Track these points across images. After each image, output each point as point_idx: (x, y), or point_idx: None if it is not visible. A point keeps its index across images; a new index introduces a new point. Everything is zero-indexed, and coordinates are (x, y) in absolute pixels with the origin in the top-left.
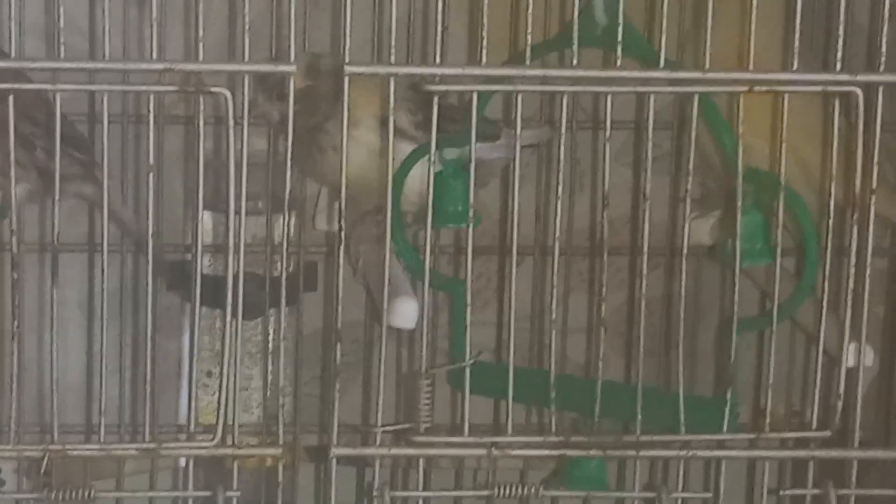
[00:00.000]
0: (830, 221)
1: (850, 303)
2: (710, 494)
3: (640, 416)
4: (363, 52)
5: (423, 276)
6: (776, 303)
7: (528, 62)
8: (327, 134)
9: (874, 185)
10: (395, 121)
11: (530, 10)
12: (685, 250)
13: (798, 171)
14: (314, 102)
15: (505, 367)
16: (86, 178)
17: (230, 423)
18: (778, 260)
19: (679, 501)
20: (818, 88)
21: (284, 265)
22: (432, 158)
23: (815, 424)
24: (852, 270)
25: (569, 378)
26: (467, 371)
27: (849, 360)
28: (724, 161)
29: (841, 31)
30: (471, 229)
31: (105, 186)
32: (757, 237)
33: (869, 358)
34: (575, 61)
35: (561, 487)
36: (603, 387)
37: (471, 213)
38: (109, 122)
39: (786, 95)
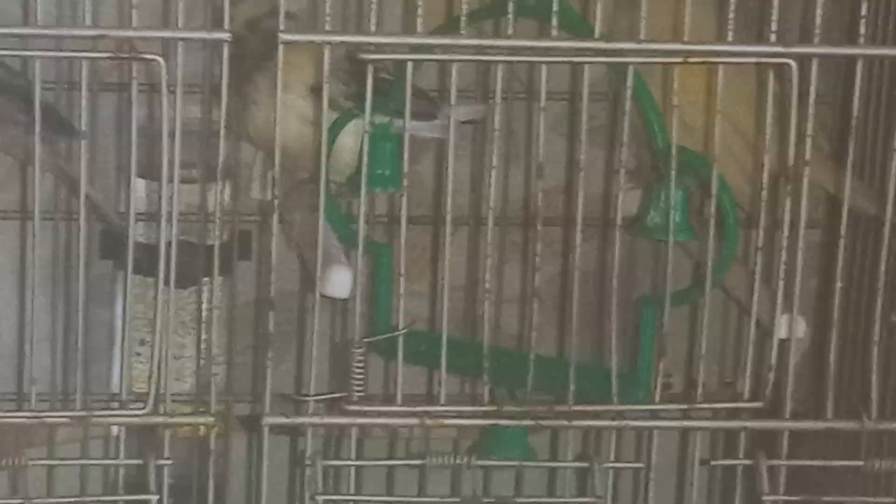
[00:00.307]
0: (764, 192)
1: (782, 274)
2: (642, 465)
3: (572, 387)
4: (298, 20)
5: (355, 245)
6: (709, 277)
7: (462, 30)
8: (253, 86)
9: (807, 156)
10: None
11: None
12: (619, 222)
13: (736, 138)
14: (248, 53)
15: (438, 335)
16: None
17: (162, 391)
18: (711, 231)
19: (611, 471)
20: (752, 60)
21: (218, 234)
22: (366, 127)
23: (747, 395)
24: (785, 242)
25: (502, 350)
26: (400, 340)
27: (781, 331)
28: (649, 136)
29: (775, 3)
30: (405, 197)
31: (37, 153)
32: (677, 212)
33: (801, 329)
34: (510, 31)
35: (486, 457)
36: (536, 359)
37: (405, 182)
38: (43, 89)
39: (720, 67)
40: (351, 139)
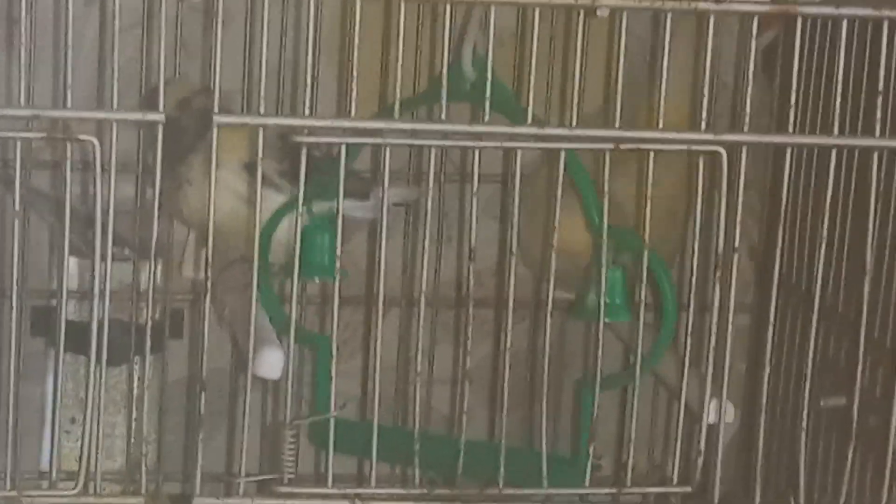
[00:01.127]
0: (693, 279)
1: (711, 359)
2: None
3: (502, 470)
4: (233, 101)
5: (287, 329)
6: (639, 358)
7: (396, 116)
8: (188, 167)
9: (737, 243)
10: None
11: (399, 64)
12: (550, 305)
13: (668, 222)
14: (181, 133)
15: (368, 425)
16: None
17: (93, 470)
18: (642, 315)
19: None
20: (683, 147)
21: (150, 312)
22: (299, 211)
23: (676, 479)
24: (714, 327)
25: (432, 436)
26: (332, 422)
27: (710, 416)
28: (587, 218)
29: (706, 91)
30: (337, 282)
31: None
32: (616, 293)
33: (730, 414)
34: (443, 115)
35: None
36: (466, 444)
37: (337, 266)
38: None
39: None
40: (289, 221)
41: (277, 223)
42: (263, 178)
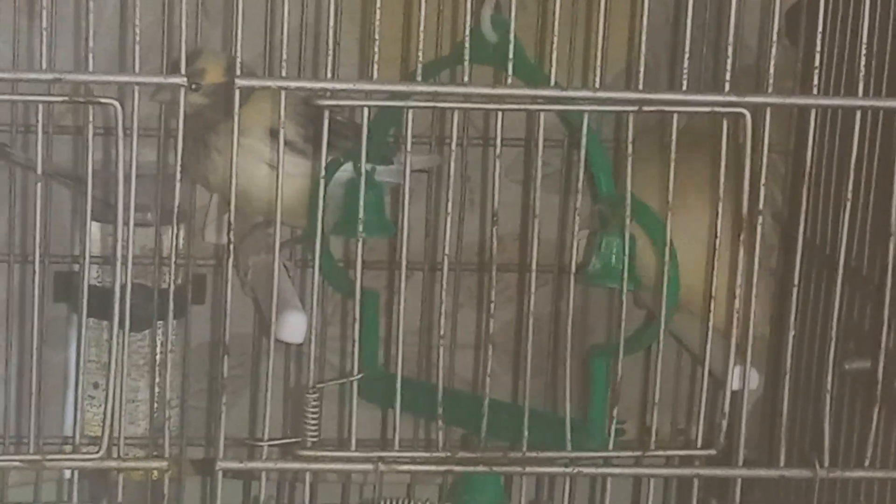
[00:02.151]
0: (718, 242)
1: (736, 325)
2: None
3: (526, 433)
4: (255, 65)
5: (346, 291)
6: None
7: (418, 78)
8: (217, 135)
9: (761, 205)
10: (284, 133)
11: (422, 28)
12: (573, 268)
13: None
14: (224, 100)
15: (394, 376)
16: None
17: (116, 435)
18: (665, 281)
19: None
20: (707, 109)
21: (173, 277)
22: (322, 173)
23: (699, 443)
24: (739, 292)
25: (457, 393)
26: (354, 385)
27: (734, 383)
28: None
29: (730, 53)
30: (360, 243)
31: None
32: (622, 260)
33: (754, 382)
34: (466, 78)
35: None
36: (490, 404)
37: (360, 229)
38: None
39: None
40: (334, 187)
41: (329, 183)
42: (289, 144)
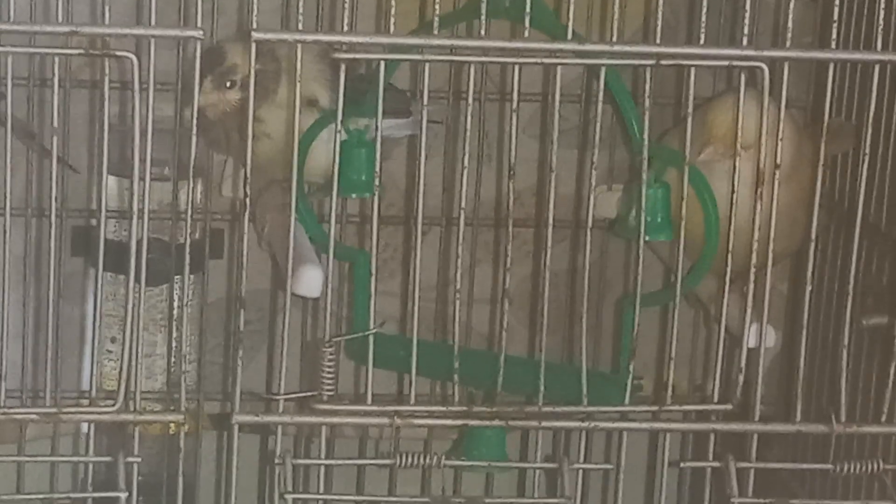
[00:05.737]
0: (735, 196)
1: (752, 282)
2: (611, 466)
3: (542, 388)
4: (272, 20)
5: (327, 246)
6: (679, 276)
7: (436, 31)
8: (260, 122)
9: (779, 160)
10: (315, 96)
11: None
12: (590, 223)
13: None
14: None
15: (408, 339)
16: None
17: (133, 389)
18: (682, 234)
19: (581, 473)
20: (724, 63)
21: (189, 232)
22: (338, 127)
23: (716, 398)
24: (756, 246)
25: (472, 352)
26: (371, 339)
27: (751, 340)
28: (629, 135)
29: (748, 7)
30: (376, 198)
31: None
32: (657, 212)
33: (770, 339)
34: (483, 32)
35: (462, 458)
36: (506, 360)
37: (377, 183)
38: (14, 85)
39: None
40: (328, 139)
41: (313, 137)
42: (316, 104)
